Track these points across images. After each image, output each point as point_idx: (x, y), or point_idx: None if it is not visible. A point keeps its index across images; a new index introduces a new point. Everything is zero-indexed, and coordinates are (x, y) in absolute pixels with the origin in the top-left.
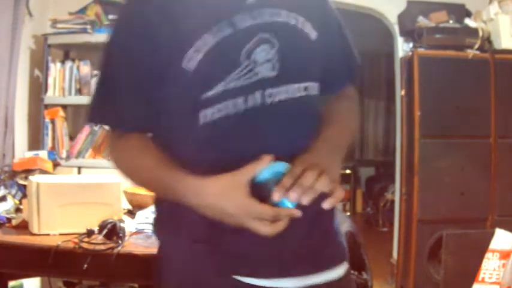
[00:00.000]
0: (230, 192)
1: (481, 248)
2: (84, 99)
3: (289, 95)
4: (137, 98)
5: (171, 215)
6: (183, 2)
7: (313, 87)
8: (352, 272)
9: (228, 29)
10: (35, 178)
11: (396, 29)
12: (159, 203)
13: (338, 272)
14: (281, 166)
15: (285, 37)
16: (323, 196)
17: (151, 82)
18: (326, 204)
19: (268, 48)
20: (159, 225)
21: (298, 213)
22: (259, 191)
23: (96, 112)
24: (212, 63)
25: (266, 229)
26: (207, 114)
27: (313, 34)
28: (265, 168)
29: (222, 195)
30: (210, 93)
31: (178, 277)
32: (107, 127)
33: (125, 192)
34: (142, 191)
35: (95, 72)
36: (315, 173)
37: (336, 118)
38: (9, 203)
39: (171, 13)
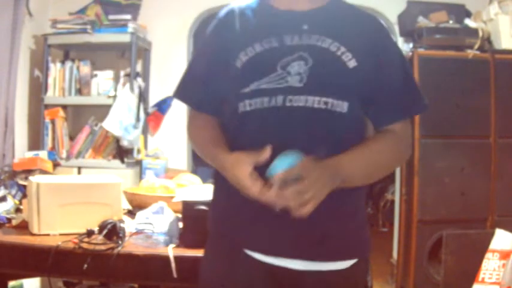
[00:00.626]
0: (235, 165)
1: (481, 248)
2: (84, 100)
3: (307, 104)
4: (207, 88)
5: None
6: (249, 23)
7: (338, 105)
8: None
9: (275, 43)
10: (35, 178)
11: (396, 29)
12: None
13: (346, 264)
14: (295, 158)
15: (320, 58)
16: (345, 189)
17: (218, 76)
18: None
19: (303, 64)
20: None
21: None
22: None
23: (181, 92)
24: (253, 66)
25: (255, 194)
26: (244, 105)
27: (351, 62)
28: (283, 158)
29: (231, 166)
30: (246, 89)
31: (207, 250)
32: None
33: (125, 193)
34: (142, 191)
35: (95, 72)
36: (305, 189)
37: (368, 143)
38: (9, 203)
39: (238, 30)
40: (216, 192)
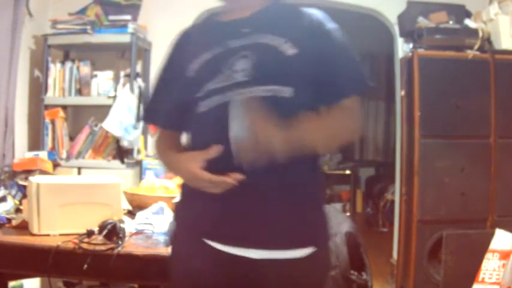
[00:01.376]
0: (187, 163)
1: (481, 248)
2: (84, 100)
3: (254, 94)
4: (170, 106)
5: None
6: (198, 39)
7: (282, 91)
8: (352, 272)
9: (221, 49)
10: (35, 178)
11: (396, 29)
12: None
13: (302, 252)
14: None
15: (261, 53)
16: (298, 178)
17: (177, 91)
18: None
19: (246, 61)
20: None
21: (232, 181)
22: None
23: (148, 115)
24: (203, 72)
25: (214, 190)
26: (199, 108)
27: (291, 50)
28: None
29: (183, 165)
30: (200, 94)
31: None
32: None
33: (125, 193)
34: (142, 192)
35: (95, 72)
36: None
37: (323, 115)
38: (9, 204)
39: (189, 47)
40: (182, 191)
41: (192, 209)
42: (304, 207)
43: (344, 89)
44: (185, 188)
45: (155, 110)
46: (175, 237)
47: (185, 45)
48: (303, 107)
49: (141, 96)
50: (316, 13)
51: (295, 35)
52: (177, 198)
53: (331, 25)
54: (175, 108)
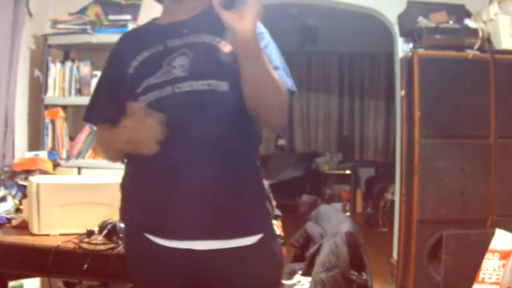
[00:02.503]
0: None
1: (481, 248)
2: (84, 100)
3: (193, 88)
4: (110, 104)
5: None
6: (138, 39)
7: (219, 85)
8: (352, 272)
9: (160, 47)
10: (35, 178)
11: (396, 29)
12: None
13: (248, 241)
14: None
15: (199, 50)
16: (238, 168)
17: (117, 88)
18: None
19: (184, 58)
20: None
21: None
22: None
23: (88, 115)
24: (142, 68)
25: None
26: (139, 102)
27: (226, 47)
28: None
29: (122, 123)
30: (140, 89)
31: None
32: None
33: None
34: None
35: (95, 72)
36: None
37: None
38: (9, 204)
39: (129, 46)
40: (122, 192)
41: (133, 207)
42: (248, 197)
43: None
44: (126, 188)
45: (95, 109)
46: (125, 238)
47: (125, 46)
48: (239, 101)
49: None
50: None
51: (228, 35)
52: (120, 200)
53: (261, 29)
54: (115, 106)
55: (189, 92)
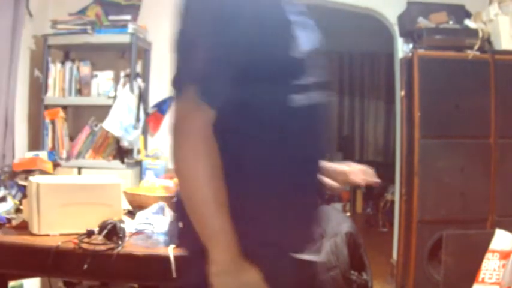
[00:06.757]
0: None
1: (481, 248)
2: (84, 100)
3: (329, 98)
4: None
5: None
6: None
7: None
8: (352, 272)
9: (313, 37)
10: (35, 179)
11: (396, 29)
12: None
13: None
14: None
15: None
16: None
17: (258, 65)
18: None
19: (322, 61)
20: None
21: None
22: None
23: (207, 91)
24: (307, 60)
25: None
26: (294, 99)
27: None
28: None
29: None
30: (302, 82)
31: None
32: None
33: (125, 193)
34: (142, 192)
35: (95, 72)
36: None
37: None
38: (9, 204)
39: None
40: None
41: (291, 225)
42: None
43: None
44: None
45: (215, 85)
46: (264, 257)
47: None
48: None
49: (141, 96)
50: None
51: None
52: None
53: None
54: (243, 88)
55: (330, 102)
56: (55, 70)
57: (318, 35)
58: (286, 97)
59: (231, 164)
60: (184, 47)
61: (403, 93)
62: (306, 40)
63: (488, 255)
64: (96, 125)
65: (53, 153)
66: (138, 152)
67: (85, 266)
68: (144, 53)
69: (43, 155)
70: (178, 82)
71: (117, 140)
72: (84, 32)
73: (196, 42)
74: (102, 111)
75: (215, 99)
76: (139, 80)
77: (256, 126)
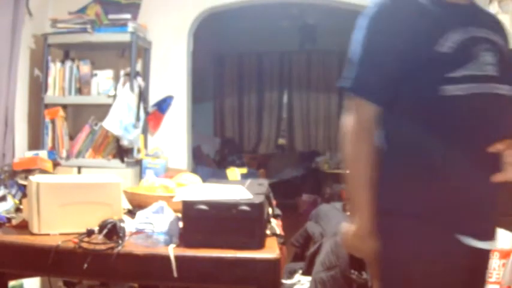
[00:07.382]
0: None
1: None
2: (84, 99)
3: (502, 91)
4: (392, 78)
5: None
6: (427, 11)
7: None
8: (352, 271)
9: (466, 34)
10: (35, 178)
11: None
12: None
13: (494, 244)
14: None
15: (500, 51)
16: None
17: (410, 63)
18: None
19: (492, 55)
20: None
21: None
22: None
23: (364, 86)
24: (458, 52)
25: None
26: (451, 90)
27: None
28: None
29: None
30: (454, 74)
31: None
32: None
33: (125, 192)
34: (142, 191)
35: (95, 71)
36: None
37: None
38: (9, 203)
39: (419, 17)
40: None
41: (443, 201)
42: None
43: None
44: (430, 177)
45: (370, 80)
46: (409, 230)
47: (420, 20)
48: None
49: (141, 95)
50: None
51: (501, 34)
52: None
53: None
54: (400, 80)
55: (500, 96)
56: (55, 69)
57: (474, 30)
58: (438, 87)
59: (398, 148)
60: (348, 61)
61: None
62: (457, 35)
63: None
64: (96, 124)
65: (53, 152)
66: (138, 151)
67: (85, 266)
68: (144, 51)
69: (43, 154)
70: (346, 86)
71: (117, 139)
72: (84, 31)
73: (355, 57)
74: (102, 110)
75: (372, 96)
76: (139, 79)
77: (411, 114)
